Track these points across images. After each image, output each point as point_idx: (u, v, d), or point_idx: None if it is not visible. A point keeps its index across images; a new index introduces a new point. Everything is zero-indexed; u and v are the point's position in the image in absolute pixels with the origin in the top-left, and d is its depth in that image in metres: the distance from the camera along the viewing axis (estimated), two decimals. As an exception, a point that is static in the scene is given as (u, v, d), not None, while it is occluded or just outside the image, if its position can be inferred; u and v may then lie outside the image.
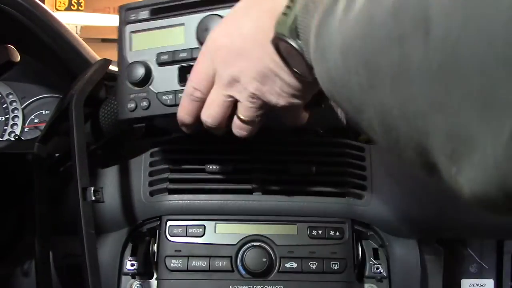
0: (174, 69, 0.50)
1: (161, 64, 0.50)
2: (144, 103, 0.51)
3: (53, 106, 0.73)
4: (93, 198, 0.49)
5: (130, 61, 0.51)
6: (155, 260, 0.59)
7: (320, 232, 0.58)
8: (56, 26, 0.61)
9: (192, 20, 0.49)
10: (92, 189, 0.50)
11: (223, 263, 0.57)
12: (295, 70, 0.39)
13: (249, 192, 0.59)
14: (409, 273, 0.59)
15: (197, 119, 0.46)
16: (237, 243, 0.58)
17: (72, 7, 2.84)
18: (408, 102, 0.23)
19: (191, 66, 0.46)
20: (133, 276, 0.61)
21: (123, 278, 0.61)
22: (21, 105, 0.77)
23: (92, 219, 0.49)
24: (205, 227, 0.58)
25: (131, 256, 0.61)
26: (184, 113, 0.46)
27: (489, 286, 0.70)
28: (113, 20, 2.64)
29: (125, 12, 0.52)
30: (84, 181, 0.50)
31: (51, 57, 0.63)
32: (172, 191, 0.59)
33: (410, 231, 0.59)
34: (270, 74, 0.40)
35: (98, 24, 2.63)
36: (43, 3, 0.64)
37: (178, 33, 0.50)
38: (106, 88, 0.59)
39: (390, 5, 0.23)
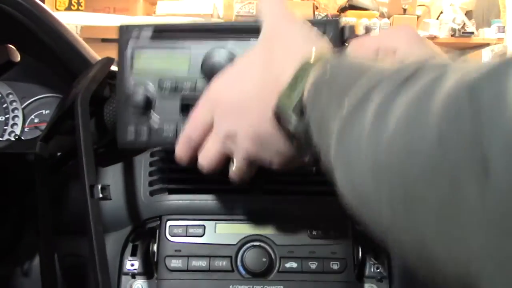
0: (176, 98, 0.48)
1: (163, 93, 0.48)
2: (144, 132, 0.49)
3: (53, 106, 0.73)
4: (101, 195, 0.49)
5: (131, 83, 0.49)
6: (155, 260, 0.59)
7: (320, 232, 0.58)
8: (56, 26, 0.61)
9: (199, 48, 0.47)
10: (100, 186, 0.50)
11: (223, 263, 0.57)
12: (294, 140, 0.39)
13: (249, 192, 0.59)
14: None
15: (194, 159, 0.45)
16: (237, 243, 0.58)
17: (72, 7, 2.84)
18: (456, 243, 0.20)
19: (194, 98, 0.45)
20: (133, 276, 0.61)
21: (123, 278, 0.61)
22: (21, 105, 0.77)
23: (100, 216, 0.49)
24: (205, 227, 0.58)
25: (131, 256, 0.61)
26: (181, 153, 0.46)
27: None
28: (113, 20, 2.64)
29: (125, 30, 0.50)
30: (91, 178, 0.50)
31: (51, 57, 0.63)
32: (172, 191, 0.59)
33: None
34: (267, 137, 0.40)
35: (98, 24, 2.63)
36: (43, 3, 0.64)
37: (182, 58, 0.48)
38: (109, 87, 0.59)
39: (435, 134, 0.20)
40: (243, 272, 0.57)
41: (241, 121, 0.40)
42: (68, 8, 2.84)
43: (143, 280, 0.61)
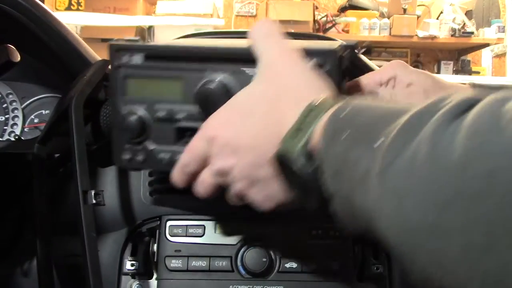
0: (171, 125, 0.48)
1: (157, 119, 0.48)
2: (140, 157, 0.49)
3: (53, 106, 0.73)
4: (94, 201, 0.49)
5: (123, 109, 0.48)
6: (155, 260, 0.59)
7: (320, 232, 0.58)
8: (56, 26, 0.61)
9: (191, 78, 0.46)
10: (93, 192, 0.49)
11: (223, 263, 0.57)
12: (294, 185, 0.38)
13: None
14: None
15: (190, 185, 0.46)
16: (237, 243, 0.58)
17: (72, 7, 2.84)
18: None
19: (189, 129, 0.46)
20: (133, 276, 0.61)
21: (123, 278, 0.61)
22: (21, 105, 0.77)
23: (93, 222, 0.49)
24: (205, 227, 0.58)
25: (131, 256, 0.61)
26: (177, 179, 0.46)
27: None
28: (113, 20, 2.64)
29: (115, 53, 0.47)
30: (84, 184, 0.50)
31: (51, 57, 0.63)
32: (172, 191, 0.59)
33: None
34: (261, 181, 0.40)
35: (98, 24, 2.63)
36: (43, 3, 0.64)
37: (175, 87, 0.47)
38: (105, 89, 0.59)
39: None
40: (243, 272, 0.57)
41: (236, 161, 0.40)
42: (68, 8, 2.84)
43: (143, 280, 0.61)
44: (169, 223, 0.59)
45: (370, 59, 0.72)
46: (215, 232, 0.58)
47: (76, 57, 0.62)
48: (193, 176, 0.44)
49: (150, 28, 2.91)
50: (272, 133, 0.38)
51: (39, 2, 0.62)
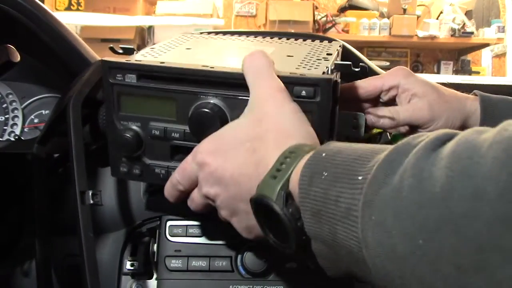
0: (166, 143, 0.48)
1: (152, 137, 0.48)
2: (137, 171, 0.50)
3: (53, 106, 0.73)
4: (92, 201, 0.49)
5: (119, 124, 0.48)
6: (155, 260, 0.59)
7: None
8: (56, 26, 0.61)
9: (185, 99, 0.45)
10: (91, 192, 0.49)
11: (223, 263, 0.57)
12: (269, 229, 0.39)
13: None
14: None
15: (182, 200, 0.47)
16: (237, 243, 0.58)
17: (72, 7, 2.84)
18: None
19: (184, 147, 0.46)
20: (133, 276, 0.61)
21: (123, 278, 0.61)
22: (21, 105, 0.77)
23: (90, 222, 0.49)
24: (205, 227, 0.58)
25: (131, 256, 0.61)
26: (169, 194, 0.47)
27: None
28: (113, 20, 2.64)
29: (109, 71, 0.46)
30: (82, 184, 0.50)
31: (51, 57, 0.63)
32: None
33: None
34: (242, 213, 0.41)
35: (98, 24, 2.63)
36: (43, 3, 0.64)
37: (169, 106, 0.46)
38: (103, 90, 0.59)
39: (498, 186, 0.23)
40: (243, 272, 0.57)
41: (220, 191, 0.41)
42: (68, 8, 2.84)
43: (143, 280, 0.61)
44: (169, 223, 0.59)
45: (370, 59, 0.72)
46: (215, 232, 0.58)
47: (76, 57, 0.62)
48: (184, 193, 0.46)
49: (150, 28, 2.91)
50: (254, 171, 0.39)
51: (39, 2, 0.62)
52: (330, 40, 0.63)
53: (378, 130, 0.60)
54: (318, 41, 0.61)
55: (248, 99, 0.43)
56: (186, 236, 0.58)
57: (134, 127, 0.48)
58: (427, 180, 0.26)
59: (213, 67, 0.44)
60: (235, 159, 0.40)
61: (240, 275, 0.57)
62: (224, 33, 0.66)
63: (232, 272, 0.57)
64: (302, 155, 0.36)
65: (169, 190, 0.46)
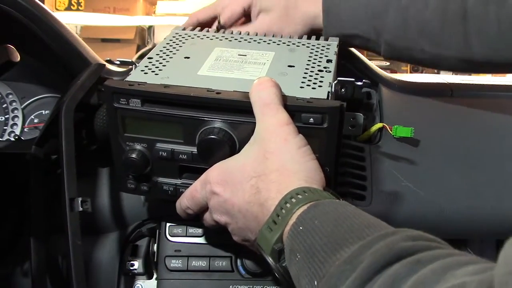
0: (173, 164, 0.48)
1: (159, 159, 0.47)
2: (145, 187, 0.50)
3: (53, 106, 0.73)
4: (81, 208, 0.49)
5: (124, 146, 0.48)
6: (155, 260, 0.59)
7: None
8: (56, 26, 0.61)
9: (191, 125, 0.45)
10: (80, 199, 0.49)
11: (223, 263, 0.57)
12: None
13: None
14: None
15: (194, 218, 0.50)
16: (237, 243, 0.58)
17: (72, 7, 2.84)
18: None
19: (192, 167, 0.47)
20: (133, 276, 0.61)
21: (123, 278, 0.61)
22: (21, 105, 0.77)
23: (79, 230, 0.48)
24: (205, 227, 0.58)
25: (131, 256, 0.61)
26: (180, 213, 0.50)
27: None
28: (113, 20, 2.64)
29: (112, 96, 0.45)
30: (71, 191, 0.49)
31: (51, 57, 0.63)
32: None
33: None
34: (251, 241, 0.44)
35: (98, 24, 2.63)
36: (43, 3, 0.64)
37: (175, 129, 0.46)
38: (98, 94, 0.58)
39: None
40: (243, 272, 0.57)
41: (230, 221, 0.44)
42: (68, 8, 2.84)
43: (143, 280, 0.61)
44: (169, 223, 0.59)
45: (369, 59, 0.71)
46: (215, 232, 0.58)
47: (76, 57, 0.62)
48: (195, 215, 0.48)
49: (150, 28, 2.91)
50: (259, 212, 0.41)
51: (39, 2, 0.61)
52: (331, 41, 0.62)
53: (378, 127, 0.60)
54: (314, 37, 0.60)
55: (255, 123, 0.43)
56: (186, 236, 0.58)
57: (140, 148, 0.47)
58: None
59: (219, 92, 0.44)
60: (242, 195, 0.42)
61: (240, 275, 0.57)
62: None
63: (232, 272, 0.57)
64: (295, 209, 0.38)
65: (179, 211, 0.49)
